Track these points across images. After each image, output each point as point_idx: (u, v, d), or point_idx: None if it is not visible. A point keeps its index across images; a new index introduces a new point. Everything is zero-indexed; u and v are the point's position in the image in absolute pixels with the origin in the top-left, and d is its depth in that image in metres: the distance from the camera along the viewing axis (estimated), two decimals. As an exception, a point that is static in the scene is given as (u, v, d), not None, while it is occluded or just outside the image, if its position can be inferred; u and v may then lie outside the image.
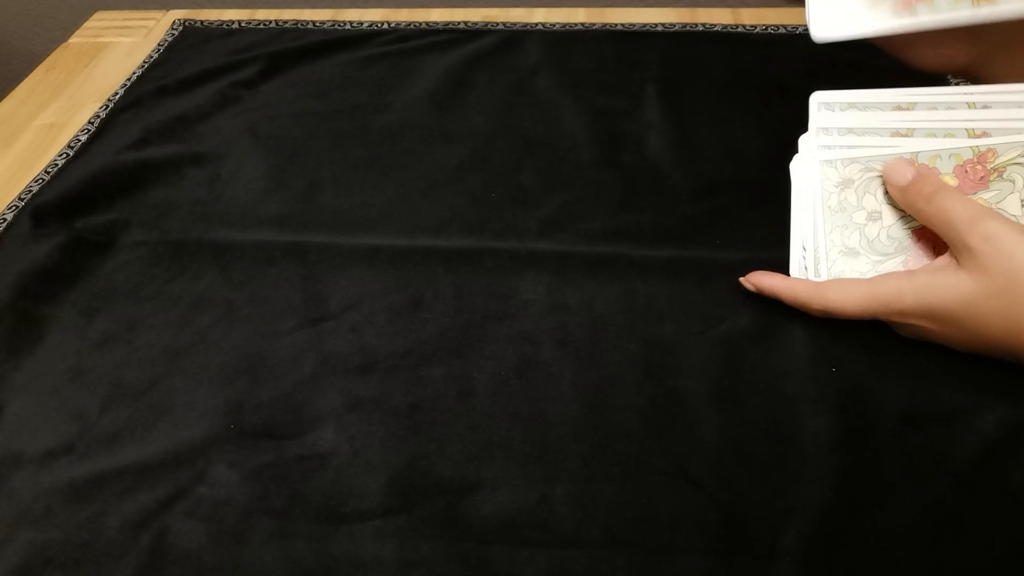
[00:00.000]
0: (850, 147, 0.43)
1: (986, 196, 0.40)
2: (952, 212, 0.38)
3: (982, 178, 0.40)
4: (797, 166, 0.45)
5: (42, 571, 0.36)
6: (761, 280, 0.45)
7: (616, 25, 0.73)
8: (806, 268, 0.44)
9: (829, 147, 0.43)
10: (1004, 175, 0.40)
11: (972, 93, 0.41)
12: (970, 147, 0.40)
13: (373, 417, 0.41)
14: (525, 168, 0.57)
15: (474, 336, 0.45)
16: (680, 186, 0.54)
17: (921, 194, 0.40)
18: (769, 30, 0.71)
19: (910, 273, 0.40)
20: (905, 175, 0.41)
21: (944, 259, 0.40)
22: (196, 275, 0.50)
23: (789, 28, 0.71)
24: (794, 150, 0.46)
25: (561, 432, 0.40)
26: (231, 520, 0.38)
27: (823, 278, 0.43)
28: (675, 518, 0.37)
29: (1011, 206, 0.40)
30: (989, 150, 0.40)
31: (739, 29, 0.72)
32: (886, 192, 0.42)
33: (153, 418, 0.42)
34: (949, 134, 0.40)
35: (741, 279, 0.46)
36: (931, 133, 0.41)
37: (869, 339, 0.43)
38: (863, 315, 0.41)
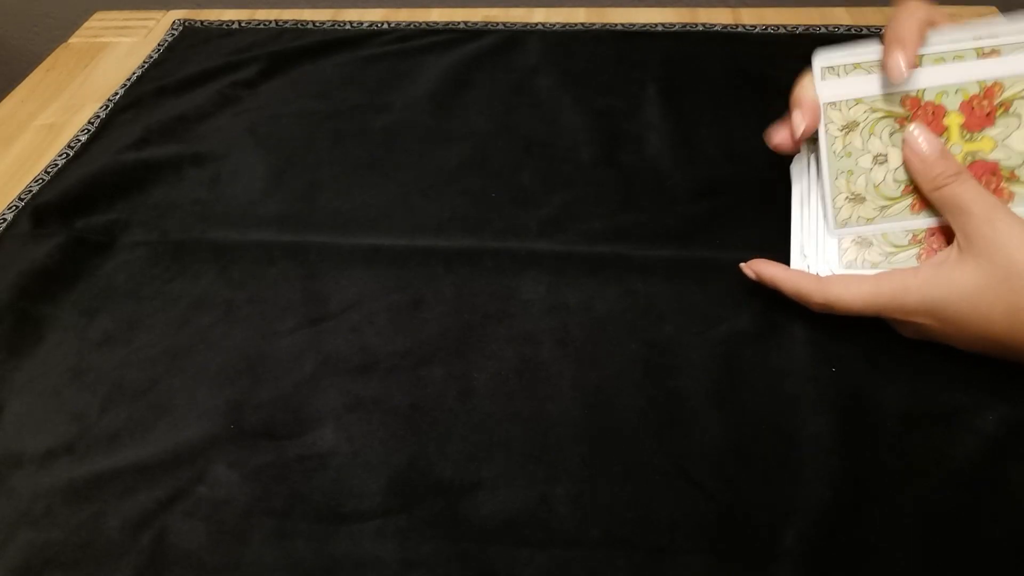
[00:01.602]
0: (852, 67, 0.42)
1: (992, 132, 0.40)
2: (970, 200, 0.38)
3: (988, 114, 0.40)
4: (797, 167, 0.45)
5: (42, 571, 0.36)
6: (763, 269, 0.44)
7: (616, 25, 0.73)
8: (808, 267, 0.44)
9: (832, 63, 0.42)
10: (1011, 110, 0.39)
11: (980, 38, 0.40)
12: (977, 82, 0.40)
13: (373, 417, 0.41)
14: (525, 168, 0.57)
15: (474, 336, 0.45)
16: (680, 186, 0.54)
17: (945, 174, 0.39)
18: (769, 30, 0.71)
19: (914, 269, 0.40)
20: (928, 147, 0.40)
21: (946, 252, 0.40)
22: (196, 275, 0.50)
23: (789, 28, 0.71)
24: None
25: (561, 432, 0.40)
26: (231, 520, 0.38)
27: (830, 224, 0.42)
28: (675, 518, 0.37)
29: (1017, 141, 0.39)
30: (995, 83, 0.39)
31: (739, 29, 0.72)
32: (891, 133, 0.41)
33: (153, 418, 0.42)
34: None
35: (742, 265, 0.45)
36: (940, 58, 0.40)
37: (869, 339, 0.42)
38: (866, 311, 0.40)
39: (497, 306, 0.47)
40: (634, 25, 0.73)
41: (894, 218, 0.42)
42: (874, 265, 0.42)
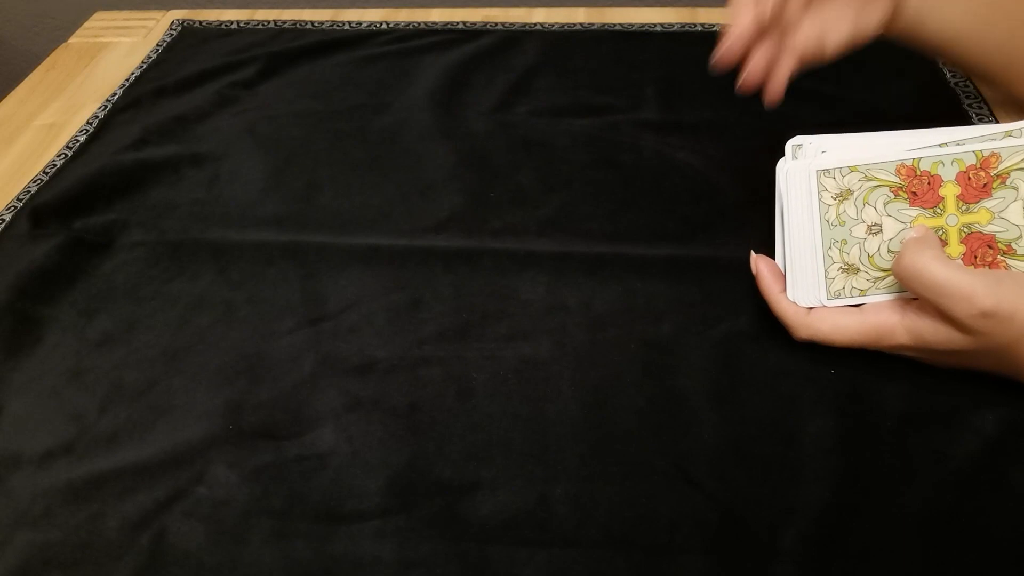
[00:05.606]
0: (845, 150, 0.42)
1: (989, 204, 0.39)
2: (949, 284, 0.36)
3: (985, 185, 0.39)
4: (783, 171, 0.43)
5: (42, 571, 0.36)
6: (761, 275, 0.43)
7: (615, 25, 0.73)
8: (795, 296, 0.42)
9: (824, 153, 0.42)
10: (1008, 181, 0.39)
11: (979, 138, 0.39)
12: (973, 151, 0.39)
13: (372, 417, 0.41)
14: (524, 168, 0.57)
15: (473, 336, 0.45)
16: (680, 186, 0.54)
17: (916, 262, 0.37)
18: (768, 30, 0.71)
19: (902, 310, 0.39)
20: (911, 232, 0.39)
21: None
22: (195, 275, 0.50)
23: (788, 28, 0.71)
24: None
25: (561, 432, 0.40)
26: (230, 520, 0.38)
27: (822, 294, 0.42)
28: (675, 518, 0.37)
29: (1014, 214, 0.39)
30: (992, 155, 0.39)
31: (738, 29, 0.71)
32: (886, 203, 0.41)
33: (152, 418, 0.42)
34: (957, 160, 0.40)
35: (753, 253, 0.44)
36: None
37: (869, 339, 0.42)
38: (851, 346, 0.40)
39: (496, 306, 0.47)
40: (633, 25, 0.73)
41: (888, 289, 0.41)
42: (862, 292, 0.41)
